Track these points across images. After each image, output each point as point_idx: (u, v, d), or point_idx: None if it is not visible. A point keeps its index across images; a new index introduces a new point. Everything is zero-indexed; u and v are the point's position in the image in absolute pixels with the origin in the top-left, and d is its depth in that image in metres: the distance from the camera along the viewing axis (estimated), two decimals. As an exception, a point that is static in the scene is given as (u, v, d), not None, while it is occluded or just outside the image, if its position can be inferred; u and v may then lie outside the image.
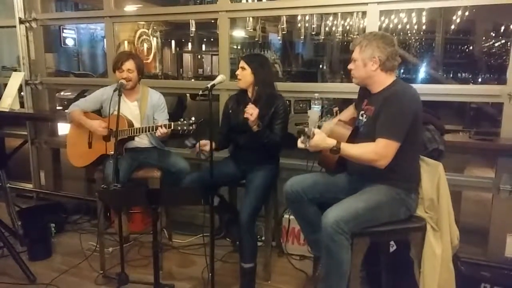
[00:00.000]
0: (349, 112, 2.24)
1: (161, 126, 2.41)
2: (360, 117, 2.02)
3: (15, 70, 4.16)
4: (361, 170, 1.93)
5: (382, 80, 1.92)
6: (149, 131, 2.52)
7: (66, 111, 2.82)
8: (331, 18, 6.25)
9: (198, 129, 2.27)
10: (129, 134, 2.55)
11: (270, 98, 2.43)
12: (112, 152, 2.28)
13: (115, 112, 2.33)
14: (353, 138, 2.02)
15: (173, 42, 14.68)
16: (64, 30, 11.55)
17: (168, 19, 4.21)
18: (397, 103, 1.82)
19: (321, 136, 1.81)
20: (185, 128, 2.29)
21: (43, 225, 2.95)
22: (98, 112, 2.79)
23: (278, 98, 2.46)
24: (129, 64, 2.63)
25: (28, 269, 2.54)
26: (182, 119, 2.32)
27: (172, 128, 2.37)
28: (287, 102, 3.78)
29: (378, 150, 1.80)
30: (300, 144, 1.81)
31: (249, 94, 2.51)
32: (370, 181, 1.94)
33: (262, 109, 2.40)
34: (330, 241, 1.78)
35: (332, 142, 1.81)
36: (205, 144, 2.29)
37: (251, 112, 2.26)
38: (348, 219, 1.78)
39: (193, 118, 2.28)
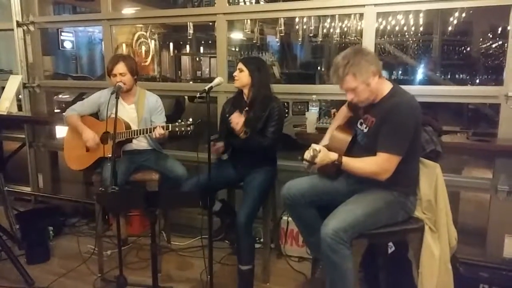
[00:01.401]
0: (342, 114, 2.23)
1: (159, 127, 2.41)
2: (359, 126, 2.00)
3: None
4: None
5: (381, 88, 1.88)
6: (146, 133, 2.52)
7: (63, 114, 2.82)
8: (328, 20, 6.27)
9: (195, 130, 2.28)
10: (126, 136, 2.54)
11: (265, 101, 2.45)
12: (110, 155, 2.28)
13: (112, 115, 2.33)
14: (352, 146, 2.02)
15: (171, 44, 14.68)
16: (62, 33, 11.55)
17: (166, 21, 4.23)
18: (399, 117, 1.79)
19: (324, 152, 1.81)
20: (183, 129, 2.30)
21: (41, 228, 2.94)
22: (96, 115, 2.78)
23: (273, 100, 2.47)
24: (120, 68, 2.61)
25: (26, 272, 2.53)
26: (180, 120, 2.32)
27: (170, 129, 2.37)
28: (285, 104, 3.80)
29: (380, 165, 1.80)
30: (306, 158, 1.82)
31: (245, 97, 2.53)
32: (368, 185, 1.93)
33: (257, 111, 2.42)
34: (331, 252, 1.77)
35: (334, 156, 1.82)
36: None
37: (236, 121, 2.30)
38: (347, 228, 1.78)
39: (190, 119, 2.28)
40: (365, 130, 1.95)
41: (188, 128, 2.28)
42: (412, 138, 1.81)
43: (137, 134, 2.55)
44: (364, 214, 1.83)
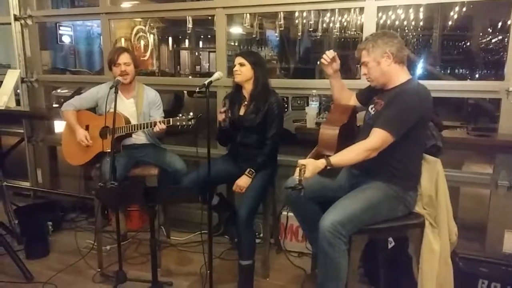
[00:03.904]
0: (348, 94, 2.24)
1: (159, 122, 2.41)
2: (369, 110, 2.03)
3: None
4: (361, 165, 1.89)
5: (398, 75, 1.90)
6: (147, 127, 2.51)
7: (60, 109, 2.80)
8: (328, 14, 6.23)
9: (196, 124, 2.28)
10: (126, 131, 2.53)
11: (265, 94, 2.45)
12: (109, 150, 2.27)
13: (111, 110, 2.32)
14: (345, 132, 2.00)
15: (170, 39, 14.60)
16: (61, 27, 11.46)
17: (165, 15, 4.20)
18: (405, 100, 1.81)
19: (313, 164, 1.74)
20: (184, 123, 2.30)
21: (40, 223, 2.94)
22: (93, 110, 2.77)
23: (272, 94, 2.47)
24: (125, 57, 2.62)
25: (25, 267, 2.53)
26: (180, 115, 2.31)
27: (171, 123, 2.37)
28: (285, 98, 3.78)
29: (371, 145, 1.78)
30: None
31: (244, 91, 2.52)
32: (369, 177, 1.93)
33: (257, 104, 2.43)
34: (328, 246, 1.77)
35: (322, 164, 1.76)
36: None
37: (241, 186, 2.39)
38: (345, 222, 1.78)
39: (191, 113, 2.28)
40: (373, 113, 1.98)
41: (189, 123, 2.27)
42: (416, 126, 1.82)
43: (137, 129, 2.54)
44: (363, 208, 1.83)
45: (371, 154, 1.79)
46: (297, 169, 1.72)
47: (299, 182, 1.68)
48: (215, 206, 2.66)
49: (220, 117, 2.43)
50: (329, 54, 2.09)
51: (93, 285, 2.50)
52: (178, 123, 2.32)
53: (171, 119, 2.37)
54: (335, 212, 1.81)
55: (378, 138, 1.79)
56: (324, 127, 2.04)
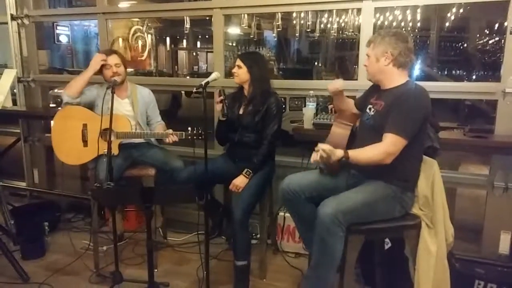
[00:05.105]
0: (350, 104, 2.24)
1: (172, 134, 2.47)
2: (368, 110, 2.03)
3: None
4: (360, 166, 1.91)
5: (394, 77, 1.93)
6: (161, 137, 2.56)
7: (61, 91, 2.66)
8: (326, 15, 6.23)
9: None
10: (135, 136, 2.58)
11: (264, 95, 2.46)
12: (106, 151, 2.26)
13: (108, 110, 2.32)
14: (358, 128, 2.04)
15: (168, 39, 14.58)
16: (58, 27, 11.42)
17: (162, 15, 4.20)
18: (410, 102, 1.83)
19: (332, 151, 1.76)
20: (195, 137, 2.38)
21: (36, 224, 2.94)
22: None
23: (271, 95, 2.48)
24: (114, 59, 2.60)
25: (21, 268, 2.52)
26: (189, 129, 2.39)
27: (184, 137, 2.45)
28: (283, 99, 3.79)
29: (387, 149, 1.79)
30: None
31: (245, 92, 2.56)
32: (368, 177, 1.94)
33: (255, 105, 2.46)
34: (326, 232, 1.79)
35: (340, 153, 1.78)
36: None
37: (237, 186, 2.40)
38: (346, 211, 1.80)
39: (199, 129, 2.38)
40: (372, 113, 1.98)
41: (200, 137, 2.35)
42: (420, 128, 1.84)
43: (148, 136, 2.62)
44: (363, 202, 1.86)
45: (386, 159, 1.80)
46: (316, 153, 1.72)
47: (326, 160, 1.71)
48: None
49: (218, 107, 2.43)
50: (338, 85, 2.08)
51: (89, 286, 2.50)
52: (189, 137, 2.40)
53: (184, 133, 2.44)
54: (336, 200, 1.83)
55: (393, 143, 1.79)
56: (336, 126, 2.08)
